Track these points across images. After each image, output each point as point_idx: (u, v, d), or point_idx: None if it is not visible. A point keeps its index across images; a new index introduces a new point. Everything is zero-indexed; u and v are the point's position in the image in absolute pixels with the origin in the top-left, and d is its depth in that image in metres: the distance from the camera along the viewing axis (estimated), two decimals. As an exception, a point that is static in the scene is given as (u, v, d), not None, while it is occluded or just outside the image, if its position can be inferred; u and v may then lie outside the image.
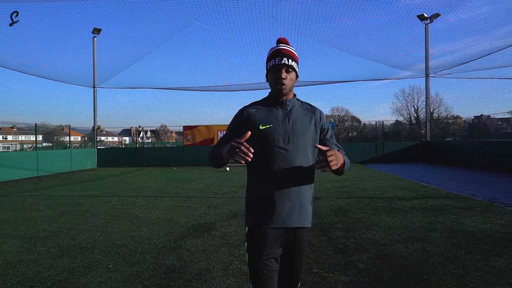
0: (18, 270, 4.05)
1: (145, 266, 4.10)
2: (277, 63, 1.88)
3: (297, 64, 1.96)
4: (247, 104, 2.02)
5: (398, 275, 3.71)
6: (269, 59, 1.95)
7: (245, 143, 1.64)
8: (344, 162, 1.83)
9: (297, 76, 1.98)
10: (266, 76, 2.00)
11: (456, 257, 4.18)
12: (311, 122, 1.97)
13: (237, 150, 1.63)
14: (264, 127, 1.89)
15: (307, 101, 2.09)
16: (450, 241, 4.81)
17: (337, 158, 1.72)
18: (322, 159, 1.69)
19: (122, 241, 5.13)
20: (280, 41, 1.99)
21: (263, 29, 22.87)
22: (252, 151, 1.63)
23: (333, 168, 1.70)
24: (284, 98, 1.95)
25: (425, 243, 4.75)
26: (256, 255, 1.87)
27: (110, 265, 4.14)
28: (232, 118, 2.04)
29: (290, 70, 1.91)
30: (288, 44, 1.98)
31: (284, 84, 1.89)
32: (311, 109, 2.03)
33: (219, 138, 21.33)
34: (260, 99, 2.05)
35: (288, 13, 21.12)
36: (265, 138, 1.88)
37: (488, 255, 4.21)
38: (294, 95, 2.02)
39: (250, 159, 1.62)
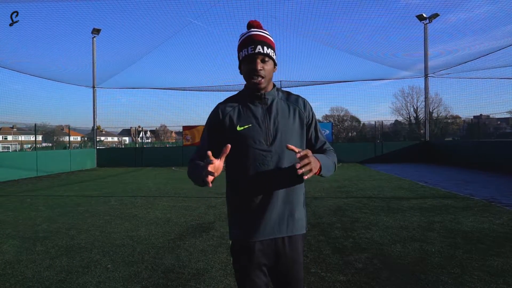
0: (17, 270, 4.06)
1: (144, 266, 4.11)
2: (250, 53, 1.62)
3: (274, 51, 1.70)
4: (221, 101, 1.77)
5: (395, 275, 3.72)
6: (240, 47, 1.68)
7: (210, 165, 1.43)
8: (320, 167, 1.58)
9: (275, 65, 1.73)
10: (239, 68, 1.73)
11: (454, 257, 4.20)
12: (295, 115, 1.73)
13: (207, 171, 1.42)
14: (242, 128, 1.66)
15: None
16: (448, 241, 4.82)
17: (311, 165, 1.49)
18: (299, 165, 1.46)
19: (121, 241, 5.14)
20: (251, 25, 1.72)
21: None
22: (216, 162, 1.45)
23: (307, 176, 1.51)
24: (262, 91, 1.70)
25: (423, 243, 4.76)
26: (243, 271, 1.69)
27: (109, 265, 4.15)
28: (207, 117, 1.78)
29: (267, 59, 1.65)
30: (261, 28, 1.71)
31: (260, 77, 1.63)
32: (294, 99, 1.78)
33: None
34: (236, 93, 1.81)
35: (288, 13, 21.13)
36: (245, 140, 1.65)
37: (485, 255, 4.22)
38: (274, 85, 1.77)
39: (216, 175, 1.44)
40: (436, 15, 19.86)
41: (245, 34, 1.70)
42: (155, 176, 15.54)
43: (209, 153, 1.45)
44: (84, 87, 22.50)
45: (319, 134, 1.83)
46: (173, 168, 20.03)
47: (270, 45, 1.67)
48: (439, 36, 22.05)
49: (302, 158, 1.47)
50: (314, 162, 1.52)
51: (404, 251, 4.44)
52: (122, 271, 3.95)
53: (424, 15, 20.01)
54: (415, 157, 20.39)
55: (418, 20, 20.28)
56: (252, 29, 1.70)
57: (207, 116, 1.78)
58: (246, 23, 1.75)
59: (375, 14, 20.77)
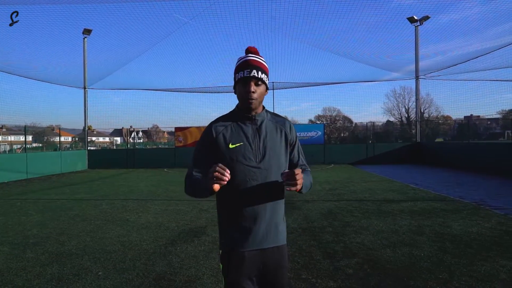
0: (7, 278, 4.03)
1: (135, 273, 4.11)
2: (245, 76, 1.78)
3: (267, 76, 1.87)
4: (214, 120, 1.92)
5: (385, 280, 3.77)
6: (237, 70, 1.84)
7: (220, 165, 1.60)
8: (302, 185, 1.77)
9: (267, 89, 1.89)
10: (234, 88, 1.89)
11: (442, 262, 4.26)
12: (282, 136, 1.90)
13: (214, 176, 1.59)
14: (234, 146, 1.80)
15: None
16: (437, 245, 4.89)
17: (297, 182, 1.68)
18: (290, 176, 1.67)
19: (112, 247, 5.12)
20: (249, 50, 1.89)
21: (255, 31, 22.95)
22: (228, 171, 1.61)
23: (296, 188, 1.69)
24: (253, 112, 1.86)
25: (412, 247, 4.82)
26: (233, 279, 1.80)
27: (100, 272, 4.14)
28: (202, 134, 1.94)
29: (260, 83, 1.81)
30: (258, 54, 1.89)
31: (253, 98, 1.79)
32: (281, 122, 1.95)
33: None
34: (228, 112, 1.95)
35: (280, 16, 21.21)
36: (236, 156, 1.79)
37: (473, 260, 4.29)
38: (263, 107, 1.93)
39: (227, 179, 1.60)
40: (426, 17, 20.05)
41: (242, 58, 1.86)
42: (147, 178, 15.48)
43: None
44: (75, 88, 22.29)
45: (301, 156, 2.04)
46: (165, 169, 19.95)
47: (264, 71, 1.84)
48: (430, 37, 22.29)
49: (292, 174, 1.67)
50: (300, 180, 1.70)
51: (394, 256, 4.50)
52: (113, 279, 3.94)
53: (415, 17, 20.19)
54: (406, 158, 20.58)
55: (409, 22, 20.46)
56: (250, 55, 1.86)
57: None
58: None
59: (367, 15, 20.90)
